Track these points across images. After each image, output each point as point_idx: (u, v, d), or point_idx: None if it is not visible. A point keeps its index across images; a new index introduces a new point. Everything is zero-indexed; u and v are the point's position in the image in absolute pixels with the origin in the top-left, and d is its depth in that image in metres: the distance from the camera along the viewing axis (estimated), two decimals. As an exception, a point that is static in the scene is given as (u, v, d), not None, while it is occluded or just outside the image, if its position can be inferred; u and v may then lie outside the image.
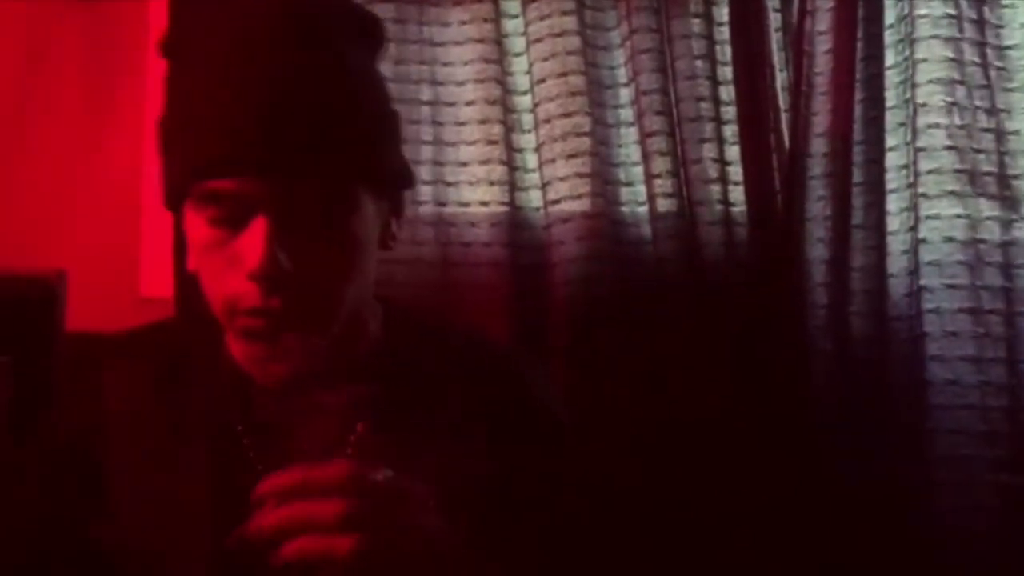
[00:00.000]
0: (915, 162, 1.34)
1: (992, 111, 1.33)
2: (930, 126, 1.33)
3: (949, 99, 1.32)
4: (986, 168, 1.33)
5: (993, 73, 1.33)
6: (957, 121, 1.32)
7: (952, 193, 1.33)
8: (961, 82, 1.32)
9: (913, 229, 1.35)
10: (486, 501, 0.94)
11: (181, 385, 0.99)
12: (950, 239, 1.33)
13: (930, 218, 1.33)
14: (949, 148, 1.33)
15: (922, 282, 1.33)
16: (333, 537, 0.76)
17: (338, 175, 0.88)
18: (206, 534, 0.90)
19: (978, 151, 1.33)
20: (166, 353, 1.02)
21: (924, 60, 1.33)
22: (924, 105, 1.33)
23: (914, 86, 1.34)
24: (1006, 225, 1.33)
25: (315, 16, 0.89)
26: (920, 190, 1.34)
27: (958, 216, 1.33)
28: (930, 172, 1.33)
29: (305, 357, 0.91)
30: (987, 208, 1.32)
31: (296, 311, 0.88)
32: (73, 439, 0.98)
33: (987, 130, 1.33)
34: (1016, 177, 1.35)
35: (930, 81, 1.33)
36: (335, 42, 0.89)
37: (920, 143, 1.34)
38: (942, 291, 1.32)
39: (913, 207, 1.35)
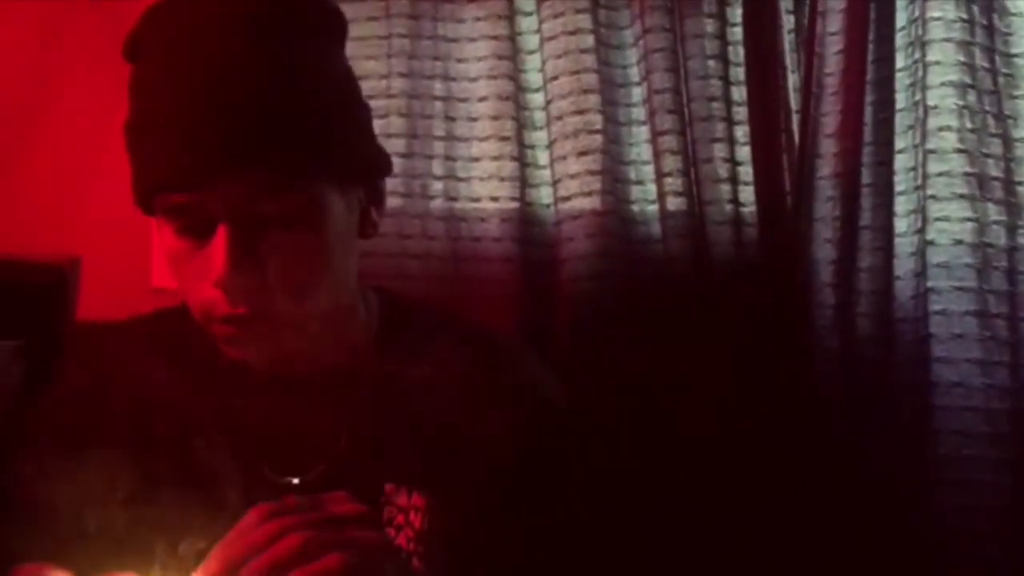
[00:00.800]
0: (924, 164, 1.35)
1: (999, 116, 1.34)
2: (940, 128, 1.34)
3: (960, 102, 1.33)
4: (994, 173, 1.33)
5: (1001, 79, 1.34)
6: (968, 124, 1.33)
7: (961, 196, 1.33)
8: (972, 86, 1.33)
9: (921, 231, 1.36)
10: (485, 491, 0.94)
11: (182, 374, 1.00)
12: (959, 242, 1.33)
13: (939, 220, 1.34)
14: (959, 151, 1.33)
15: (929, 284, 1.33)
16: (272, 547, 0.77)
17: (295, 174, 0.87)
18: (203, 523, 0.91)
19: (987, 155, 1.33)
20: (169, 341, 1.03)
21: (936, 63, 1.33)
22: (935, 108, 1.34)
23: (925, 88, 1.34)
24: (1011, 230, 1.34)
25: (266, 14, 0.88)
26: (929, 192, 1.34)
27: (967, 219, 1.33)
28: (940, 175, 1.33)
29: (284, 358, 0.93)
30: (994, 212, 1.33)
31: (266, 316, 0.88)
32: (75, 422, 0.99)
33: (995, 135, 1.33)
34: (1021, 183, 1.35)
35: (942, 84, 1.33)
36: (286, 37, 0.88)
37: (930, 145, 1.34)
38: (950, 293, 1.33)
39: (921, 209, 1.36)
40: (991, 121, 1.34)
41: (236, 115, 0.84)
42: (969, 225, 1.33)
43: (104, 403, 1.00)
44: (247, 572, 0.76)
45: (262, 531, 0.77)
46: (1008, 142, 1.34)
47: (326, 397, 0.97)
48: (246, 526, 0.79)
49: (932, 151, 1.34)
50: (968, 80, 1.32)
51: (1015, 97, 1.34)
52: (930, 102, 1.34)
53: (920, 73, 1.36)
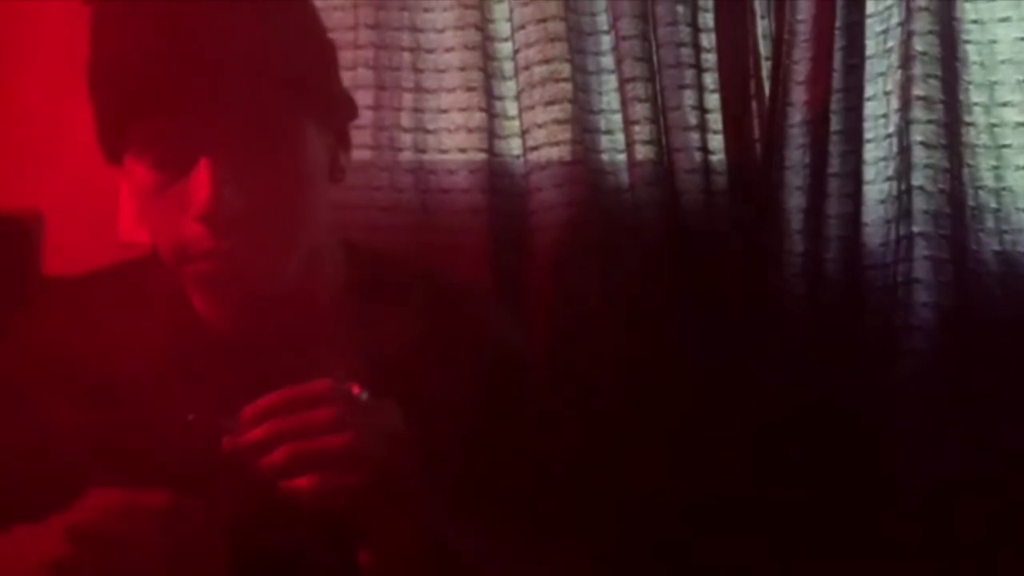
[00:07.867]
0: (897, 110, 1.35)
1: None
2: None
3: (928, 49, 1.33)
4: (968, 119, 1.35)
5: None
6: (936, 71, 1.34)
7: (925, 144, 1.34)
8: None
9: (891, 179, 1.35)
10: (454, 440, 0.94)
11: (146, 325, 0.99)
12: (922, 189, 1.34)
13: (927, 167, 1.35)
14: (921, 99, 1.33)
15: (916, 229, 1.35)
16: (324, 438, 0.78)
17: (278, 106, 0.88)
18: (160, 477, 0.90)
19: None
20: (133, 292, 1.01)
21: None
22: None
23: (913, 35, 1.34)
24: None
25: None
26: (916, 138, 1.35)
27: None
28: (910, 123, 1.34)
29: (254, 304, 0.91)
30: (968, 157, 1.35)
31: (247, 251, 0.87)
32: (35, 373, 0.98)
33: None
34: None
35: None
36: None
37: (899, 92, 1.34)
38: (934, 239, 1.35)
39: (891, 156, 1.35)
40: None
41: (222, 45, 0.84)
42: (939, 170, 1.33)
43: (64, 356, 0.99)
44: (282, 452, 0.77)
45: (320, 414, 0.78)
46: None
47: (293, 348, 0.96)
48: (306, 396, 0.79)
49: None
50: (934, 27, 1.32)
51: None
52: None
53: (892, 19, 1.35)
